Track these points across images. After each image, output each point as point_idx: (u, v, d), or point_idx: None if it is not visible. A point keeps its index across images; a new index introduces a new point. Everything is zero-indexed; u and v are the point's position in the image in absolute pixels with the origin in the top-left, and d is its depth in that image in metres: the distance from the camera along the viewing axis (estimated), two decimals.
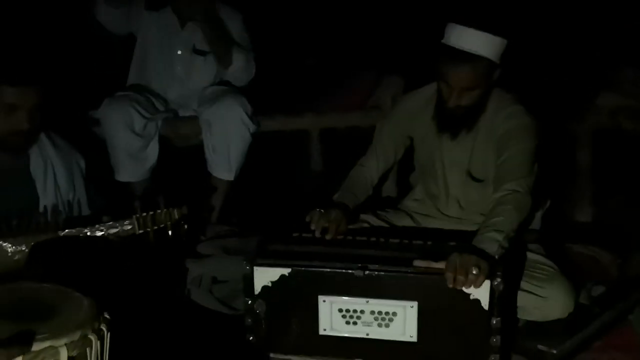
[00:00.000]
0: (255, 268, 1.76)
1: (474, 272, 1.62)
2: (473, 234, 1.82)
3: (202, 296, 2.04)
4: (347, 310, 1.76)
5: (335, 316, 1.76)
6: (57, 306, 1.26)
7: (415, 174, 2.26)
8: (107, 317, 1.28)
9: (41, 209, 1.94)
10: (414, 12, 3.33)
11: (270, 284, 1.76)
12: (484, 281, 1.64)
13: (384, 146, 2.15)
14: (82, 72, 2.73)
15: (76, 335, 1.19)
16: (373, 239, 1.92)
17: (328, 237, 1.88)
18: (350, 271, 1.73)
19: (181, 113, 2.79)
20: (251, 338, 1.80)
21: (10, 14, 2.72)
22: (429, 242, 1.88)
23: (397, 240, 1.90)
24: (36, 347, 1.13)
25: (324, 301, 1.76)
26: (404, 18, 3.36)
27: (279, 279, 1.76)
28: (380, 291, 1.73)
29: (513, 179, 1.86)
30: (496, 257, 1.71)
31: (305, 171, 3.15)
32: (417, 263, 1.73)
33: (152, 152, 2.63)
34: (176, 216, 1.78)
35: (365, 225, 2.10)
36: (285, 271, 1.75)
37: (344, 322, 1.77)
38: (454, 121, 1.95)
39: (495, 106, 1.97)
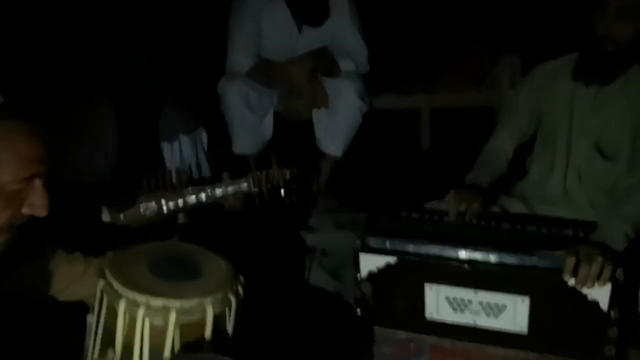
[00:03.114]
0: (360, 255, 1.76)
1: (599, 258, 1.54)
2: (593, 224, 1.74)
3: (313, 270, 2.10)
4: (454, 299, 1.73)
5: (441, 303, 1.75)
6: (200, 266, 1.30)
7: (531, 157, 2.18)
8: (242, 279, 1.32)
9: (168, 172, 2.08)
10: None
11: (376, 270, 1.76)
12: (610, 274, 1.55)
13: (519, 115, 2.04)
14: (205, 51, 2.86)
15: (219, 295, 1.24)
16: (483, 222, 1.88)
17: (467, 219, 1.82)
18: (458, 264, 1.70)
19: None
20: (358, 310, 1.83)
21: None
22: (544, 229, 1.82)
23: (508, 226, 1.85)
24: (187, 304, 1.19)
25: (431, 289, 1.74)
26: None
27: (384, 266, 1.75)
28: (490, 284, 1.68)
29: None
30: (621, 248, 1.63)
31: (415, 150, 3.15)
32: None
33: (267, 126, 2.72)
34: (287, 176, 1.86)
35: None
36: (391, 260, 1.74)
37: (451, 309, 1.75)
38: (598, 60, 1.80)
39: None
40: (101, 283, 1.23)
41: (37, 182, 1.17)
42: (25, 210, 1.18)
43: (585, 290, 1.58)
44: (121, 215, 1.80)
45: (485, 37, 3.13)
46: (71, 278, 1.41)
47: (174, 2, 2.99)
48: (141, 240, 1.41)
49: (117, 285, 1.20)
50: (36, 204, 1.17)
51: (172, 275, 1.26)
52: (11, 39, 2.25)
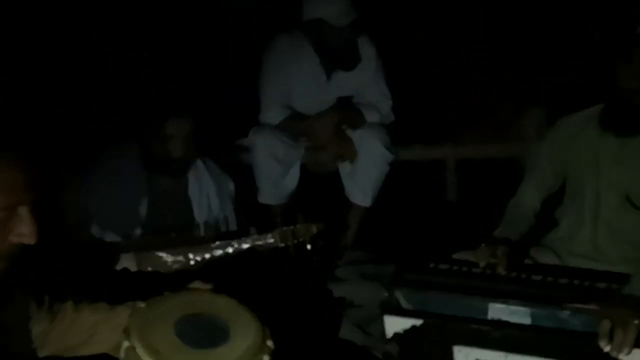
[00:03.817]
0: (385, 317, 1.73)
1: (635, 322, 1.49)
2: (626, 276, 1.70)
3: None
4: None
5: None
6: (229, 330, 1.28)
7: (561, 208, 2.15)
8: (271, 346, 1.29)
9: (195, 225, 2.11)
10: (559, 42, 3.22)
11: (402, 332, 1.72)
12: None
13: (544, 169, 2.04)
14: (233, 104, 2.93)
15: None
16: (514, 274, 1.85)
17: (502, 272, 1.79)
18: (486, 328, 1.65)
19: None
20: None
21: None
22: (576, 281, 1.78)
23: (539, 277, 1.82)
24: None
25: (459, 351, 1.68)
26: (548, 47, 3.26)
27: (410, 328, 1.71)
28: (521, 347, 1.62)
29: None
30: None
31: (441, 201, 3.13)
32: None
33: (293, 177, 2.75)
34: (314, 231, 1.87)
35: None
36: (417, 322, 1.70)
37: None
38: (627, 112, 1.80)
39: None
40: (125, 344, 1.22)
41: (23, 210, 1.16)
42: (13, 239, 1.17)
43: (621, 357, 1.51)
44: (149, 268, 1.82)
45: (510, 88, 3.14)
46: (94, 328, 1.40)
47: (200, 57, 3.09)
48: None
49: (139, 351, 1.20)
50: (23, 232, 1.16)
51: (198, 340, 1.24)
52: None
